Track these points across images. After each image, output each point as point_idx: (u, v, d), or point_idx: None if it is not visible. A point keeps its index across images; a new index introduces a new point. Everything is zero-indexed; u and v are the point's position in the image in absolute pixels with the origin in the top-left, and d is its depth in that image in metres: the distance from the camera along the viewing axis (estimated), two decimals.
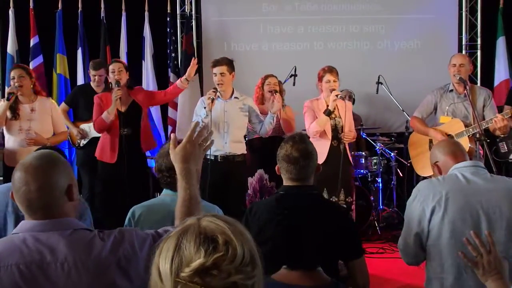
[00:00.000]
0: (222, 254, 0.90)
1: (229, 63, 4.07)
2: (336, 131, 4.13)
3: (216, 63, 4.07)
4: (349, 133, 4.11)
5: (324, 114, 4.03)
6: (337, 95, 4.00)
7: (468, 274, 2.14)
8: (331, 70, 4.11)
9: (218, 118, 4.01)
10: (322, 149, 4.08)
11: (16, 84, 4.00)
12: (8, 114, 4.02)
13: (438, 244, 2.19)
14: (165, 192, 2.34)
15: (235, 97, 4.13)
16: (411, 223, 2.25)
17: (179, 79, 4.44)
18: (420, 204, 2.21)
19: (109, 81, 4.23)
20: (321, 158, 4.07)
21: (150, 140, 4.40)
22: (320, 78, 4.15)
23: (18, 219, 2.23)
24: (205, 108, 3.97)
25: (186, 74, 4.34)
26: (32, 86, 4.08)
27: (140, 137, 4.18)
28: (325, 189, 3.97)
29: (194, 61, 4.32)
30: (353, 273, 2.08)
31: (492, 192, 2.15)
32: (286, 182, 2.15)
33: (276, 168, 2.19)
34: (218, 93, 4.01)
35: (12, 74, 4.06)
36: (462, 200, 2.15)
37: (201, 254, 0.89)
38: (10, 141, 4.09)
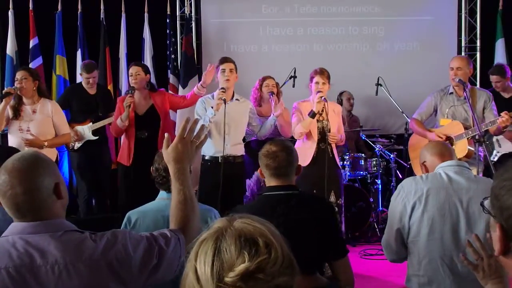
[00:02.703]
0: (266, 257, 0.88)
1: (235, 63, 4.10)
2: (324, 134, 4.11)
3: (225, 60, 4.08)
4: (334, 134, 4.08)
5: (308, 116, 4.03)
6: (321, 97, 3.99)
7: (445, 273, 2.17)
8: (321, 72, 4.09)
9: (219, 119, 3.98)
10: (308, 151, 4.08)
11: (18, 85, 4.03)
12: (10, 113, 4.06)
13: (417, 241, 2.22)
14: (160, 195, 2.34)
15: (236, 99, 4.13)
16: (393, 220, 2.29)
17: (196, 86, 4.39)
18: (402, 201, 2.26)
19: (131, 84, 4.24)
20: (307, 160, 4.06)
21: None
22: (311, 79, 4.14)
23: None
24: (212, 108, 3.93)
25: (202, 81, 4.30)
26: (36, 88, 4.10)
27: (158, 140, 4.16)
28: (314, 191, 3.95)
29: (212, 66, 4.21)
30: (337, 274, 2.10)
31: (473, 191, 2.18)
32: (268, 182, 2.20)
33: (258, 171, 2.24)
34: (225, 93, 3.95)
35: (16, 75, 4.13)
36: (442, 198, 2.19)
37: (245, 258, 0.87)
38: (11, 142, 4.13)
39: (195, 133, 1.60)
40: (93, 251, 1.39)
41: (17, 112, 4.06)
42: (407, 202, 2.23)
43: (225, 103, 3.86)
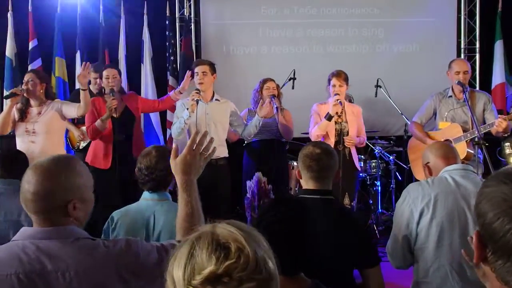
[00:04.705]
0: (234, 261, 0.88)
1: (211, 64, 4.09)
2: (342, 136, 4.11)
3: (199, 63, 4.12)
4: (351, 138, 4.08)
5: (324, 118, 4.03)
6: (337, 100, 4.00)
7: (455, 280, 2.13)
8: (338, 74, 4.11)
9: (199, 120, 3.98)
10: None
11: (24, 87, 4.02)
12: (16, 115, 4.05)
13: (425, 248, 2.18)
14: (143, 196, 2.35)
15: (216, 99, 4.12)
16: (399, 226, 2.24)
17: (173, 91, 4.52)
18: (409, 207, 2.21)
19: (102, 85, 4.24)
20: None
21: (142, 146, 4.41)
22: (328, 82, 4.16)
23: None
24: (187, 109, 3.95)
25: (180, 87, 4.44)
26: (43, 90, 4.08)
27: (132, 143, 4.18)
28: None
29: (188, 74, 4.39)
30: (367, 282, 2.05)
31: None
32: (305, 184, 2.16)
33: (296, 172, 2.21)
34: (200, 95, 3.99)
35: (24, 77, 4.11)
36: (451, 203, 2.15)
37: (213, 262, 0.88)
38: (18, 144, 4.11)
39: (204, 146, 1.60)
40: (105, 259, 1.38)
41: (23, 114, 4.04)
42: (414, 208, 2.18)
43: (197, 104, 3.88)
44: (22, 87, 4.04)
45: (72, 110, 4.06)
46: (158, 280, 1.44)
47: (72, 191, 1.44)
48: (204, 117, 4.00)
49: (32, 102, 4.08)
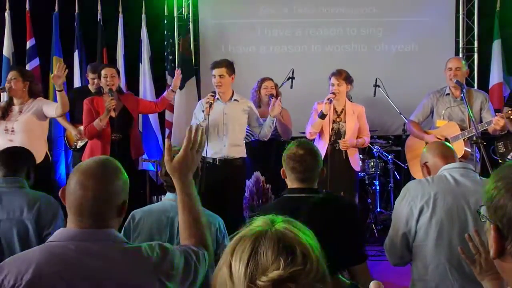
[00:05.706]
0: (300, 268, 0.88)
1: (229, 65, 4.04)
2: (339, 135, 4.12)
3: (216, 65, 4.04)
4: (345, 141, 4.07)
5: (318, 116, 4.04)
6: (328, 99, 4.00)
7: (454, 278, 2.13)
8: (336, 73, 4.12)
9: (217, 120, 3.98)
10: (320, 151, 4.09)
11: (7, 85, 4.01)
12: None
13: (424, 245, 2.18)
14: (167, 196, 2.34)
15: (235, 100, 4.10)
16: (398, 223, 2.25)
17: (166, 91, 4.52)
18: (408, 204, 2.21)
19: (100, 85, 4.23)
20: None
21: (140, 146, 4.41)
22: (329, 81, 4.16)
23: None
24: (203, 111, 3.95)
25: (172, 85, 4.45)
26: (26, 88, 4.04)
27: (130, 143, 4.17)
28: (324, 190, 3.97)
29: (177, 72, 4.43)
30: (355, 279, 2.05)
31: (480, 194, 2.11)
32: (291, 184, 2.16)
33: (281, 171, 2.19)
34: (217, 96, 4.00)
35: (8, 75, 4.10)
36: (450, 201, 2.15)
37: (280, 265, 0.88)
38: None
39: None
40: (145, 263, 1.40)
41: (5, 113, 4.02)
42: (414, 205, 2.19)
43: (210, 107, 3.88)
44: (5, 85, 4.03)
45: (52, 109, 4.03)
46: (186, 282, 1.47)
47: (122, 193, 1.48)
48: (221, 117, 3.99)
49: (14, 100, 4.06)
